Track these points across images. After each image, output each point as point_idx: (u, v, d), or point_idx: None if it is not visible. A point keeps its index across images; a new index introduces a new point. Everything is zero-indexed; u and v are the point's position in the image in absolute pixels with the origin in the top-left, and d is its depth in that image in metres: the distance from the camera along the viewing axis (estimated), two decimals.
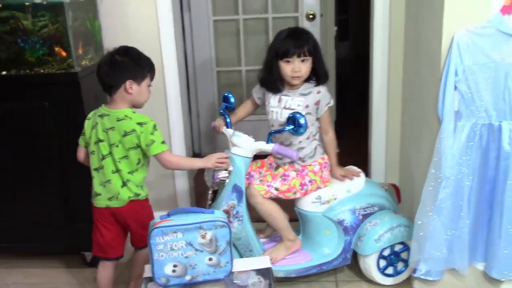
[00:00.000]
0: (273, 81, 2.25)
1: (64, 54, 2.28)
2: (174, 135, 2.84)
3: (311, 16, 3.53)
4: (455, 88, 1.89)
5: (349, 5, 6.68)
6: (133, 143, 1.98)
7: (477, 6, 1.85)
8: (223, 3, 3.67)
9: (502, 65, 1.85)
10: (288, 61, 2.17)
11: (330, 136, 2.31)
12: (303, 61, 2.17)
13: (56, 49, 2.28)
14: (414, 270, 2.11)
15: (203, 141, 3.94)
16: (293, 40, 2.17)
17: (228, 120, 2.30)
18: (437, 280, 2.11)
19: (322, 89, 2.23)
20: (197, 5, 3.62)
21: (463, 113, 1.91)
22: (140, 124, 1.97)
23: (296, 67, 2.16)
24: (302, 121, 2.07)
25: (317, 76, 2.25)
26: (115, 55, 1.98)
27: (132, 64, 1.98)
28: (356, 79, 4.93)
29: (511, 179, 1.90)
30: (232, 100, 2.33)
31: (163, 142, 2.00)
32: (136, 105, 2.04)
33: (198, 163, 2.18)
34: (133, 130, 1.97)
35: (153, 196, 2.78)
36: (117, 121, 1.98)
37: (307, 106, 2.21)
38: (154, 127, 1.99)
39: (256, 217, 2.28)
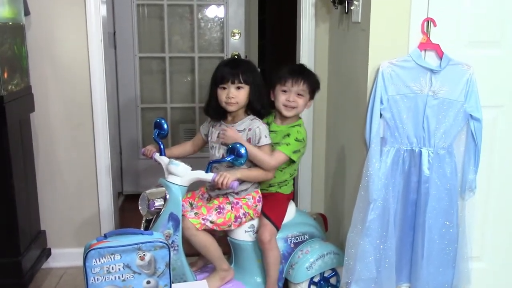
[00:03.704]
0: (212, 109, 2.28)
1: None
2: (101, 173, 2.76)
3: (236, 57, 3.66)
4: (381, 116, 2.04)
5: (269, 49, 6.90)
6: None
7: (398, 42, 2.05)
8: (149, 41, 3.71)
9: (421, 95, 2.03)
10: (224, 88, 2.22)
11: (260, 172, 2.23)
12: (238, 88, 2.21)
13: None
14: None
15: (125, 179, 3.86)
16: (230, 68, 2.22)
17: (162, 146, 2.28)
18: None
19: (256, 124, 2.23)
20: (122, 42, 3.62)
21: (388, 139, 2.05)
22: None
23: (230, 93, 2.20)
24: (242, 151, 2.08)
25: (253, 108, 2.27)
26: None
27: None
28: None
29: (431, 201, 2.05)
30: (165, 126, 2.32)
31: None
32: None
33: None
34: None
35: (74, 216, 2.73)
36: None
37: (240, 143, 2.16)
38: None
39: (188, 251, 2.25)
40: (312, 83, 2.30)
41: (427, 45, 2.03)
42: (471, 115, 2.05)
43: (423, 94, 2.03)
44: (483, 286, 2.25)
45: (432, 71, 2.01)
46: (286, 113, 2.28)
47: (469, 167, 2.09)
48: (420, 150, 2.05)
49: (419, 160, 2.06)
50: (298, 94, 2.27)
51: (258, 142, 2.22)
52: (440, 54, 2.04)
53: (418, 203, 2.09)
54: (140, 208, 2.21)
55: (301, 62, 2.76)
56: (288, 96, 2.26)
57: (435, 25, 2.03)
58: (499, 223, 2.25)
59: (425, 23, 2.03)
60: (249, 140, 2.23)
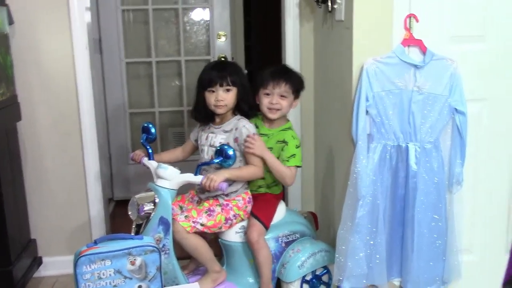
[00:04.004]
0: (201, 112, 2.29)
1: None
2: (90, 180, 2.75)
3: (221, 60, 3.66)
4: (367, 112, 2.05)
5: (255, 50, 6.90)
6: None
7: (381, 39, 2.06)
8: (135, 46, 3.71)
9: (405, 91, 2.04)
10: (212, 91, 2.23)
11: (250, 169, 2.25)
12: (226, 90, 2.22)
13: None
14: None
15: (115, 185, 3.84)
16: (217, 71, 2.23)
17: (150, 151, 2.28)
18: None
19: (242, 124, 2.24)
20: (108, 47, 3.62)
21: (375, 136, 2.07)
22: None
23: (219, 96, 2.21)
24: (230, 152, 2.10)
25: (241, 109, 2.29)
26: None
27: None
28: None
29: (419, 196, 2.07)
30: (153, 130, 2.33)
31: None
32: None
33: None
34: None
35: (64, 224, 2.72)
36: None
37: (228, 144, 2.20)
38: None
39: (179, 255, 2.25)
40: (294, 83, 2.31)
41: (410, 41, 2.05)
42: (456, 109, 2.07)
43: (408, 89, 2.04)
44: (473, 278, 2.27)
45: (416, 66, 2.02)
46: (271, 115, 2.30)
47: (456, 161, 2.11)
48: (407, 146, 2.07)
49: (406, 155, 2.07)
50: (281, 96, 2.28)
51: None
52: (423, 50, 2.05)
53: (406, 198, 2.11)
54: (130, 213, 2.21)
55: (286, 62, 2.77)
56: (271, 99, 2.28)
57: (417, 21, 2.05)
58: (488, 215, 2.27)
59: (408, 19, 2.04)
60: (236, 140, 2.24)
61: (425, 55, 2.05)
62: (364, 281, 2.11)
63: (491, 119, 2.19)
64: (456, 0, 2.09)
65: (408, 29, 2.05)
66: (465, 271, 2.19)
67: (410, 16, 2.04)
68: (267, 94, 2.29)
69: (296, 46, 2.79)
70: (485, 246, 2.30)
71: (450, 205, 2.13)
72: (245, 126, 2.24)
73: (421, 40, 2.05)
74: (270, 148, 2.29)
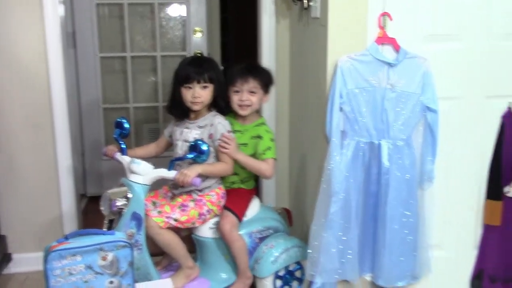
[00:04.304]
0: (176, 107, 2.28)
1: None
2: (62, 175, 2.71)
3: (198, 55, 3.65)
4: (341, 109, 2.07)
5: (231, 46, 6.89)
6: None
7: (356, 36, 2.08)
8: (110, 40, 3.66)
9: (379, 89, 2.06)
10: (189, 87, 2.22)
11: (222, 166, 2.25)
12: (203, 87, 2.22)
13: None
14: (310, 284, 2.20)
15: (88, 180, 3.80)
16: (194, 67, 2.22)
17: (123, 146, 2.27)
18: None
19: (217, 120, 2.25)
20: (82, 41, 3.57)
21: (348, 133, 2.08)
22: None
23: (196, 93, 2.20)
24: (204, 148, 2.11)
25: (218, 105, 2.29)
26: None
27: None
28: None
29: (391, 192, 2.09)
30: (127, 125, 2.32)
31: None
32: None
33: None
34: None
35: (35, 220, 2.67)
36: None
37: (202, 139, 2.19)
38: None
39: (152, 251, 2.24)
40: (263, 78, 2.33)
41: (384, 39, 2.07)
42: (428, 107, 2.10)
43: (381, 87, 2.06)
44: (443, 273, 2.31)
45: (389, 64, 2.05)
46: (241, 112, 2.31)
47: (427, 158, 2.14)
48: (380, 143, 2.08)
49: (378, 152, 2.09)
50: (251, 92, 2.29)
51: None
52: (396, 48, 2.08)
53: (379, 194, 2.13)
54: (102, 208, 2.19)
55: (262, 59, 2.79)
56: (241, 95, 2.29)
57: (391, 19, 2.07)
58: (457, 211, 2.31)
59: (382, 18, 2.07)
60: (210, 136, 2.23)
61: (398, 54, 2.07)
62: (336, 276, 2.13)
63: (461, 116, 2.23)
64: (429, 0, 2.11)
65: (382, 27, 2.07)
66: (435, 266, 2.23)
67: (384, 14, 2.06)
68: (237, 91, 2.30)
69: (272, 43, 2.80)
70: (455, 242, 2.34)
71: (421, 202, 2.16)
72: (221, 123, 2.24)
73: (394, 38, 2.07)
74: (245, 144, 2.30)
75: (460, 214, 2.32)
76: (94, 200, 3.52)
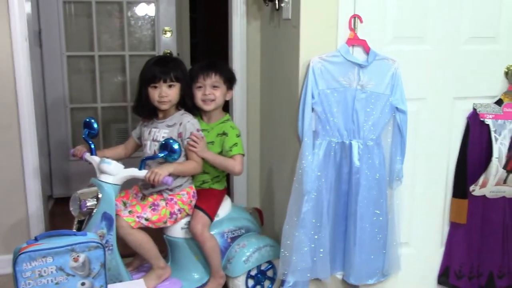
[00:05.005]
0: (143, 107, 2.27)
1: None
2: (29, 176, 2.64)
3: (165, 55, 3.62)
4: (313, 110, 2.09)
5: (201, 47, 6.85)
6: None
7: (327, 38, 2.11)
8: (77, 39, 3.60)
9: (349, 89, 2.10)
10: (155, 87, 2.21)
11: (192, 165, 2.24)
12: (170, 86, 2.22)
13: None
14: (282, 283, 2.22)
15: (54, 182, 3.72)
16: (160, 66, 2.22)
17: (92, 146, 2.24)
18: None
19: (186, 119, 2.25)
20: (49, 40, 3.49)
21: (320, 133, 2.11)
22: None
23: (163, 92, 2.20)
24: (175, 146, 2.10)
25: (185, 105, 2.29)
26: None
27: None
28: None
29: (362, 191, 2.13)
30: (95, 125, 2.29)
31: None
32: None
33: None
34: None
35: (1, 222, 2.59)
36: None
37: (172, 138, 2.18)
38: None
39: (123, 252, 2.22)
40: (224, 73, 2.35)
41: (354, 40, 2.10)
42: (397, 108, 2.15)
43: (352, 88, 2.10)
44: (412, 270, 2.36)
45: (360, 65, 2.08)
46: (206, 107, 2.32)
47: (396, 157, 2.18)
48: (351, 142, 2.12)
49: (349, 152, 2.12)
50: (214, 86, 2.31)
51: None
52: (367, 50, 2.11)
53: (349, 193, 2.16)
54: (71, 209, 2.16)
55: (233, 60, 2.81)
56: (204, 90, 2.30)
57: (361, 21, 2.10)
58: (425, 210, 2.36)
59: (353, 20, 2.10)
60: (179, 135, 2.23)
61: (368, 55, 2.11)
62: (308, 274, 2.16)
63: (429, 117, 2.28)
64: (398, 2, 2.16)
65: (353, 29, 2.10)
66: (404, 263, 2.28)
67: (355, 16, 2.10)
68: (200, 87, 2.31)
69: (243, 43, 2.80)
70: (423, 239, 2.39)
71: (390, 200, 2.21)
72: (190, 122, 2.25)
73: (365, 40, 2.11)
74: (212, 142, 2.31)
75: (427, 212, 2.37)
76: (61, 202, 3.46)
